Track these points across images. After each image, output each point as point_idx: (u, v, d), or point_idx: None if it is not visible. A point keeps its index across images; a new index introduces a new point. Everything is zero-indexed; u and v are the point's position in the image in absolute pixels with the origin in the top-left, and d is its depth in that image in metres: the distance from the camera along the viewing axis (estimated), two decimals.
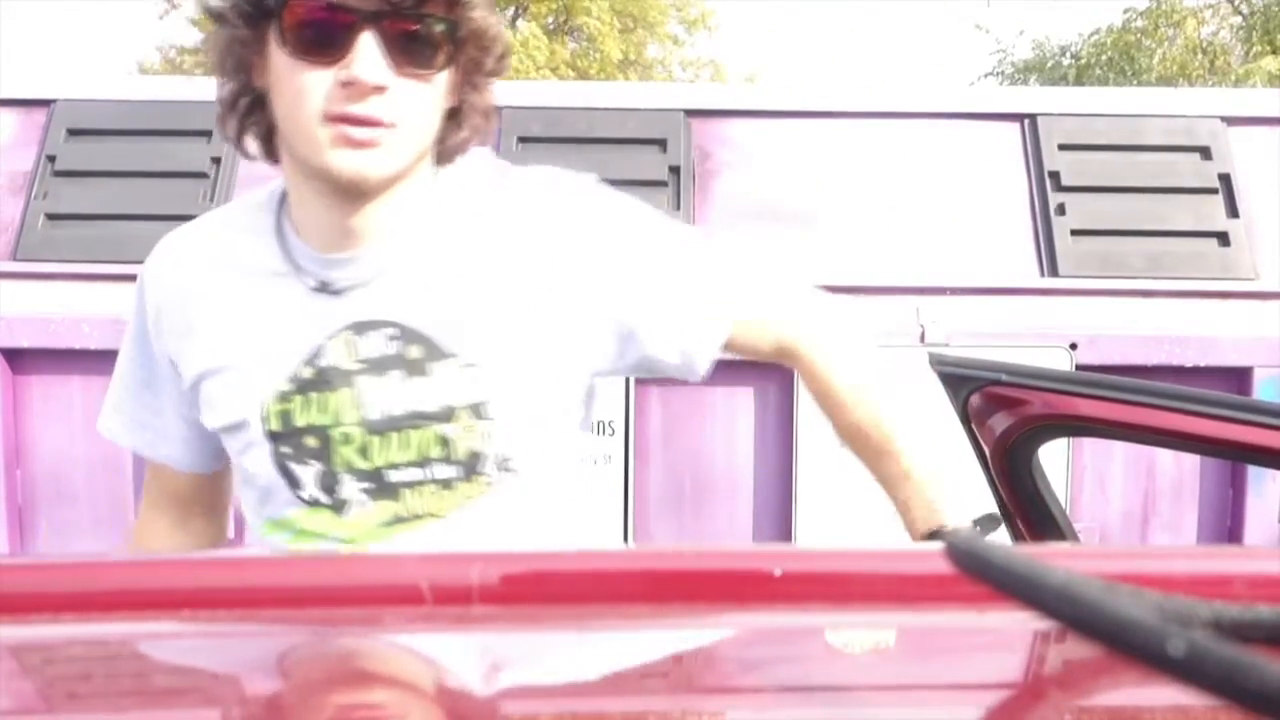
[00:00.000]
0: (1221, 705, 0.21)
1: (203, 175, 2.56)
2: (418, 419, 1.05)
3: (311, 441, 1.05)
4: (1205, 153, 2.59)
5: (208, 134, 2.58)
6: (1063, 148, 2.61)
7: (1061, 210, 2.55)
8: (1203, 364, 2.39)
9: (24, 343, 2.39)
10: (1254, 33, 12.36)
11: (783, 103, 2.70)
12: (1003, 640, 0.33)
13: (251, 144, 1.05)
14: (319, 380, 1.05)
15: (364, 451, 1.06)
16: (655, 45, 20.26)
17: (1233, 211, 2.53)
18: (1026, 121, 2.66)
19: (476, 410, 1.06)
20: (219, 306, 1.08)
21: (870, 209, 2.59)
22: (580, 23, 18.06)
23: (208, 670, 0.35)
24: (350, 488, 1.05)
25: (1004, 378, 0.74)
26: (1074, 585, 0.25)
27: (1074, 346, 2.39)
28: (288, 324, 1.06)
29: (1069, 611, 0.24)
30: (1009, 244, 2.55)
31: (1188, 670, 0.22)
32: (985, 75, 14.18)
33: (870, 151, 2.66)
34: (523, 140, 2.61)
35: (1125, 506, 2.48)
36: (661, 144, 2.61)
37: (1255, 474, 2.40)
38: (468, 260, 1.08)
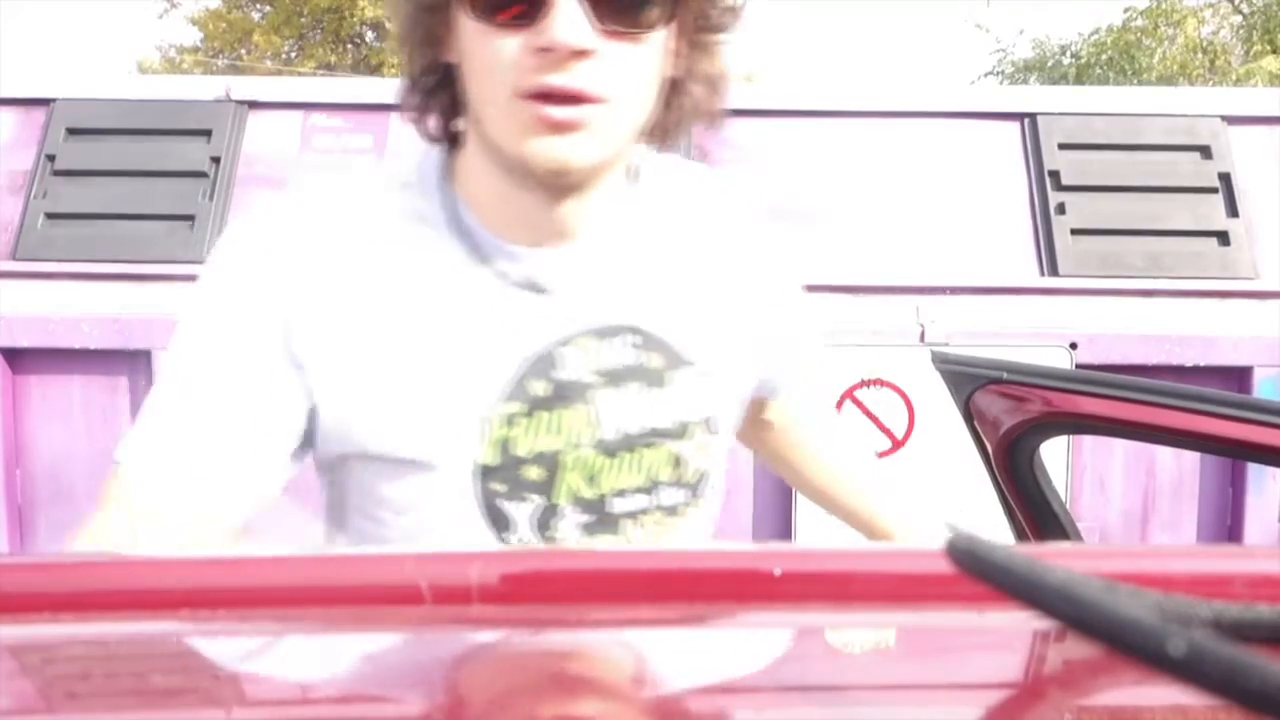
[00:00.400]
0: (1221, 705, 0.21)
1: (202, 174, 2.55)
2: (653, 436, 0.92)
3: (535, 473, 0.88)
4: (1205, 152, 2.59)
5: (207, 133, 2.59)
6: (1063, 147, 2.61)
7: (1061, 209, 2.55)
8: (1203, 363, 2.39)
9: (23, 342, 2.39)
10: (1254, 32, 12.36)
11: (782, 102, 2.70)
12: (1002, 640, 0.34)
13: (432, 123, 0.91)
14: (555, 396, 0.88)
15: (592, 478, 0.90)
16: None
17: (1233, 211, 2.53)
18: (1026, 121, 2.66)
19: (709, 424, 0.94)
20: (388, 314, 0.87)
21: (870, 208, 2.59)
22: None
23: (204, 671, 0.35)
24: (569, 522, 0.89)
25: (1005, 376, 0.75)
26: (1073, 585, 0.25)
27: (1074, 346, 2.39)
28: (493, 329, 0.88)
29: (1068, 611, 0.24)
30: (1009, 243, 2.55)
31: (1187, 670, 0.22)
32: (985, 74, 14.20)
33: (869, 151, 2.65)
34: None
35: (1125, 506, 2.48)
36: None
37: (1255, 473, 2.40)
38: (683, 262, 0.96)
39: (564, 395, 0.88)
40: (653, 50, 0.83)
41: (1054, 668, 0.32)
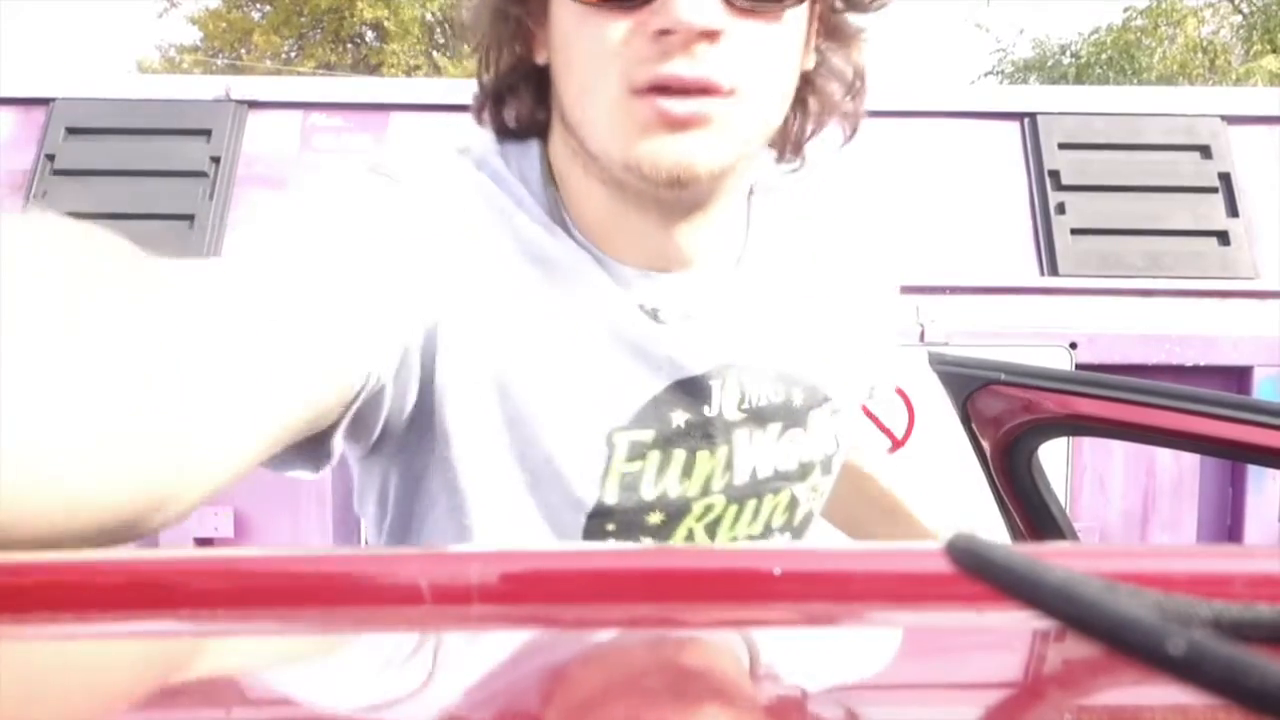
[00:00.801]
0: (1221, 704, 0.21)
1: (202, 174, 2.56)
2: (779, 480, 0.82)
3: (656, 517, 0.77)
4: (1205, 152, 2.60)
5: (207, 133, 2.59)
6: (1062, 146, 2.62)
7: (1061, 209, 2.56)
8: (1203, 363, 2.39)
9: None
10: (1254, 32, 12.38)
11: None
12: (1002, 639, 0.34)
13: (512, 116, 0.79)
14: (693, 432, 0.77)
15: (713, 526, 0.79)
16: None
17: (1233, 211, 2.54)
18: (1026, 120, 2.66)
19: (827, 464, 0.86)
20: (522, 312, 0.74)
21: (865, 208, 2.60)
22: None
23: (200, 670, 0.36)
24: None
25: (1003, 377, 0.75)
26: (1073, 584, 0.25)
27: (1074, 346, 2.39)
28: (631, 350, 0.76)
29: (1068, 610, 0.25)
30: (1009, 243, 2.55)
31: (1187, 669, 0.22)
32: (985, 74, 14.21)
33: (869, 150, 2.65)
34: None
35: (1125, 506, 2.48)
36: None
37: (1255, 473, 2.40)
38: (807, 288, 0.86)
39: (707, 433, 0.77)
40: (790, 32, 0.71)
41: (1053, 667, 0.32)
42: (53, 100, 2.64)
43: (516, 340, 0.74)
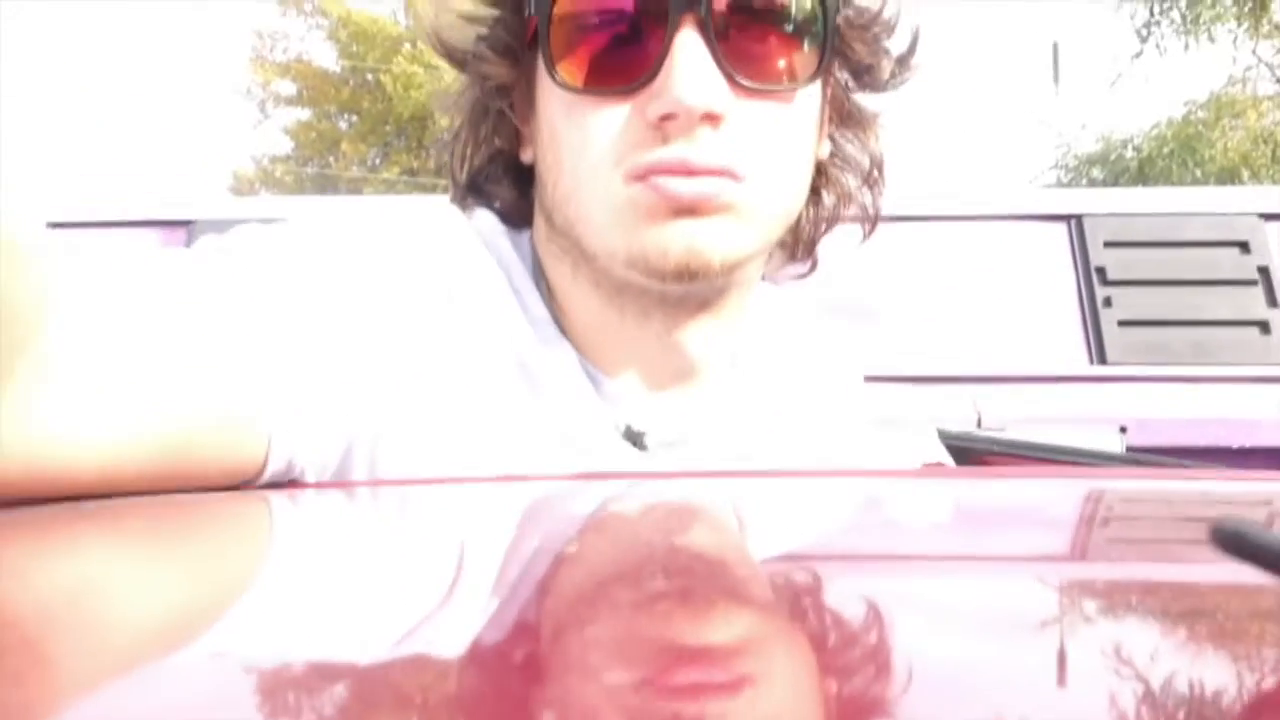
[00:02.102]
0: None
1: None
2: None
3: None
4: (1244, 247, 2.75)
5: None
6: (1108, 244, 2.79)
7: (1108, 303, 2.73)
8: (1248, 444, 2.52)
9: None
10: None
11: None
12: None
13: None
14: None
15: None
16: None
17: (1272, 301, 2.69)
18: (1073, 221, 2.85)
19: None
20: (486, 412, 0.65)
21: (928, 305, 2.79)
22: None
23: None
24: None
25: (995, 448, 0.90)
26: None
27: (1124, 430, 2.54)
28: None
29: None
30: (1059, 335, 2.73)
31: None
32: (1050, 168, 14.33)
33: (927, 252, 2.87)
34: None
35: None
36: None
37: None
38: (795, 408, 0.80)
39: None
40: (802, 115, 0.66)
41: None
42: (193, 222, 2.95)
43: (480, 460, 0.64)
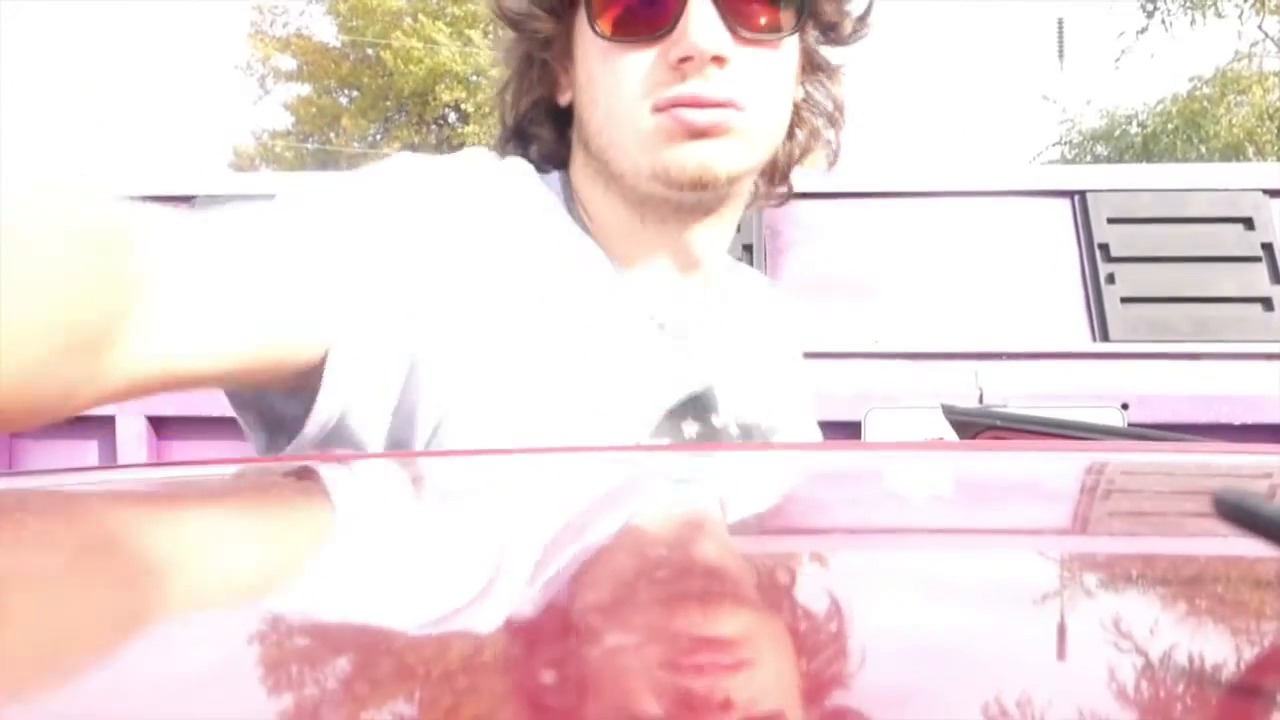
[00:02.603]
0: None
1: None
2: None
3: None
4: (1248, 223, 2.75)
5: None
6: (1111, 221, 2.79)
7: (1111, 279, 2.73)
8: (1250, 421, 2.52)
9: (169, 410, 2.67)
10: None
11: (847, 185, 2.93)
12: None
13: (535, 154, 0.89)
14: (709, 439, 0.84)
15: None
16: None
17: (1275, 278, 2.69)
18: (1076, 197, 2.85)
19: None
20: (535, 325, 0.77)
21: (930, 281, 2.80)
22: None
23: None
24: None
25: (998, 423, 0.91)
26: None
27: (1125, 406, 2.55)
28: (643, 366, 0.82)
29: None
30: (1062, 311, 2.73)
31: None
32: (1054, 144, 14.28)
33: (929, 228, 2.87)
34: None
35: None
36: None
37: None
38: (757, 343, 0.97)
39: (711, 439, 0.84)
40: (785, 57, 0.82)
41: None
42: (194, 197, 2.95)
43: (531, 354, 0.75)
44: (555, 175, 0.88)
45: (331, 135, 19.73)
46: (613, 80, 0.78)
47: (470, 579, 0.33)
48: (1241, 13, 12.91)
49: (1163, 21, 13.13)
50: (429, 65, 18.25)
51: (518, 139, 0.90)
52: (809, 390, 1.07)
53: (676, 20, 0.75)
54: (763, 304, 1.02)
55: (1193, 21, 12.96)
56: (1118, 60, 13.41)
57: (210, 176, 3.05)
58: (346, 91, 20.28)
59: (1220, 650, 0.26)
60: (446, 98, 18.75)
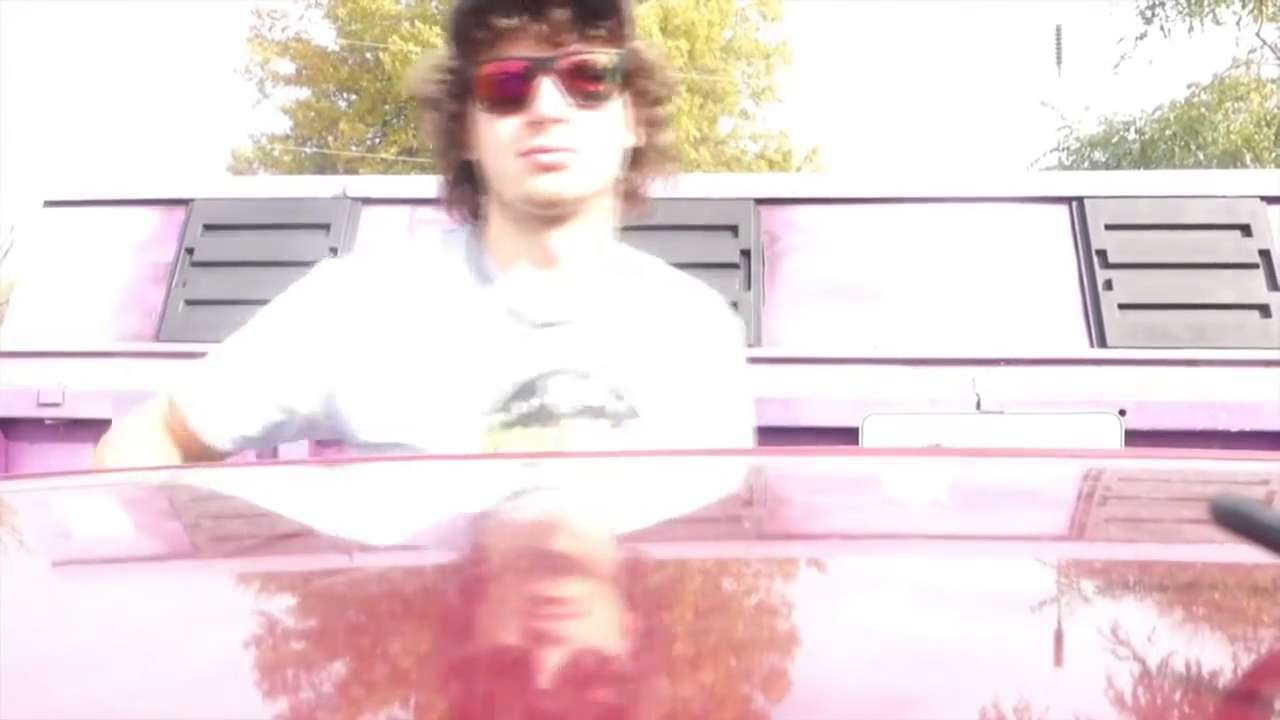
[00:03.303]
0: None
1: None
2: None
3: None
4: (1245, 230, 2.75)
5: (326, 227, 2.88)
6: (1109, 227, 2.79)
7: (1109, 286, 2.73)
8: (1247, 428, 2.52)
9: None
10: None
11: (845, 190, 2.93)
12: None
13: (461, 209, 1.22)
14: (537, 415, 1.14)
15: None
16: (726, 119, 20.71)
17: (1273, 285, 2.68)
18: (1074, 204, 2.85)
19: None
20: (412, 331, 1.16)
21: (928, 287, 2.79)
22: None
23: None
24: None
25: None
26: None
27: (1123, 413, 2.54)
28: (493, 353, 1.15)
29: None
30: (1060, 317, 2.73)
31: None
32: (1051, 150, 14.28)
33: (927, 234, 2.86)
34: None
35: None
36: (733, 229, 2.85)
37: None
38: (651, 328, 1.20)
39: (545, 417, 1.14)
40: (610, 116, 1.16)
41: None
42: (192, 200, 2.96)
43: (409, 358, 1.15)
44: (466, 227, 1.25)
45: (330, 139, 19.73)
46: (494, 138, 1.14)
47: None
48: (1240, 20, 12.92)
49: (1161, 28, 13.13)
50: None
51: (454, 189, 1.23)
52: (735, 387, 1.29)
53: (531, 97, 1.11)
54: (677, 305, 1.26)
55: (1191, 28, 12.97)
56: (1116, 67, 13.42)
57: (208, 180, 3.04)
58: (345, 95, 20.29)
59: (1216, 655, 0.26)
60: None
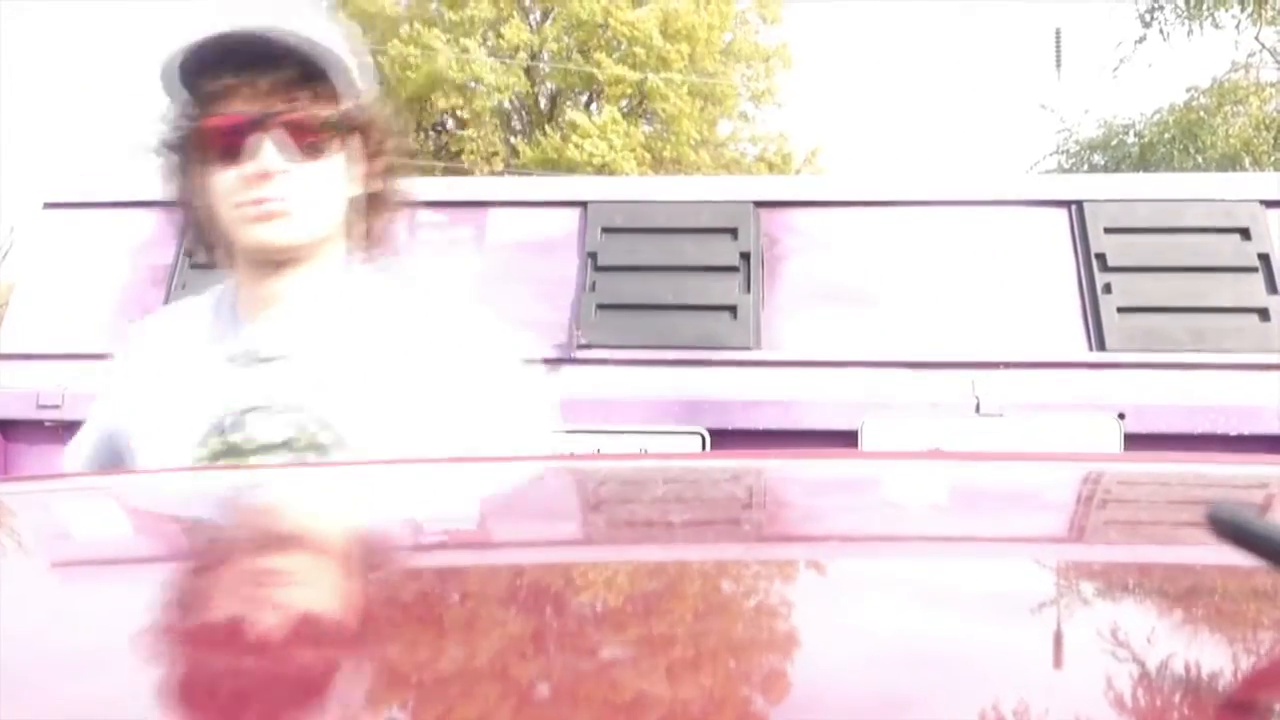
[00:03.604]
0: None
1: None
2: None
3: None
4: (1245, 234, 2.75)
5: (733, 231, 2.84)
6: (1108, 231, 2.80)
7: (1108, 289, 2.73)
8: (1246, 432, 2.52)
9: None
10: None
11: (844, 193, 2.94)
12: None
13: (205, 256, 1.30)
14: (227, 453, 1.20)
15: None
16: (726, 122, 20.72)
17: (1272, 288, 2.69)
18: (1074, 207, 2.85)
19: None
20: (165, 362, 1.27)
21: (927, 290, 2.80)
22: (656, 107, 18.59)
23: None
24: None
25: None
26: None
27: (1122, 416, 2.55)
28: (205, 394, 1.22)
29: None
30: (1059, 321, 2.73)
31: None
32: (1050, 153, 14.29)
33: (926, 237, 2.87)
34: (606, 230, 2.85)
35: None
36: (733, 232, 2.85)
37: None
38: (370, 354, 1.23)
39: (233, 452, 1.20)
40: (331, 170, 1.21)
41: None
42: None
43: (151, 400, 1.26)
44: (235, 273, 1.30)
45: None
46: (218, 189, 1.19)
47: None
48: (1239, 24, 12.93)
49: (1160, 32, 13.15)
50: (426, 72, 18.27)
51: (190, 238, 1.33)
52: (511, 398, 1.29)
53: (250, 151, 1.17)
54: (432, 329, 1.27)
55: (1190, 32, 12.98)
56: (1115, 70, 13.44)
57: None
58: None
59: (1213, 659, 0.26)
60: (443, 104, 18.80)
